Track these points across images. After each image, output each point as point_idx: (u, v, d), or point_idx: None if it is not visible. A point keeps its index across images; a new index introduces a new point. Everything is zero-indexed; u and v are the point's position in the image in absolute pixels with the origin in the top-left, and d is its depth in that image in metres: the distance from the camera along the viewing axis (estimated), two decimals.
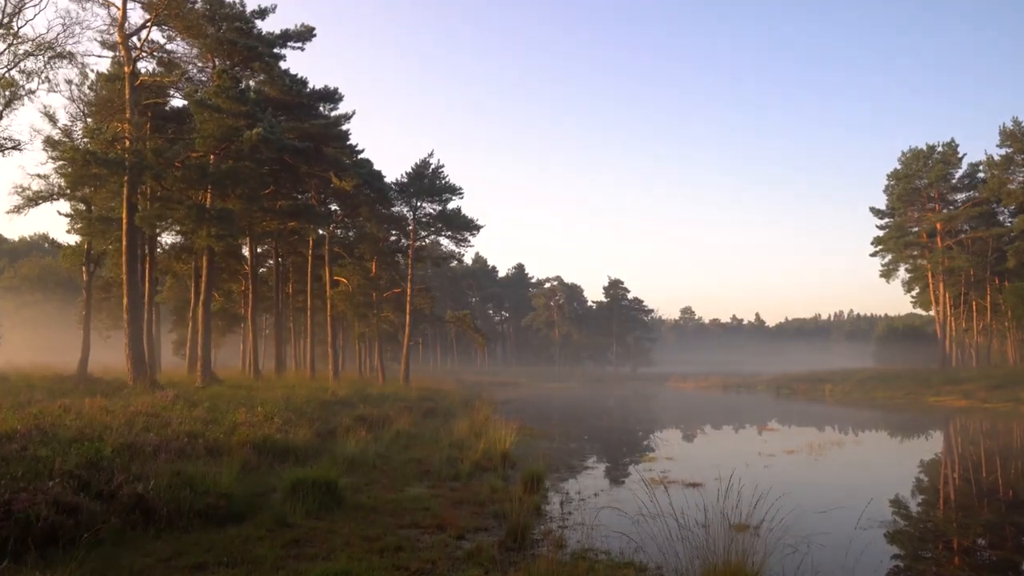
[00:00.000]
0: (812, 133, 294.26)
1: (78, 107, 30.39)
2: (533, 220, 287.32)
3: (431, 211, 46.10)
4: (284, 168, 35.78)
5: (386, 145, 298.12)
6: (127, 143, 27.35)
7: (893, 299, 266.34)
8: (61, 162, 27.78)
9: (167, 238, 45.62)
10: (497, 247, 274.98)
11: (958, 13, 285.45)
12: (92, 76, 32.69)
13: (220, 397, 23.68)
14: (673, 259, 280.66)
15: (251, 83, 32.67)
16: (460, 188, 44.87)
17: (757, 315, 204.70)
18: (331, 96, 36.29)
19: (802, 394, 64.80)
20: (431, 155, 45.16)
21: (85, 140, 27.59)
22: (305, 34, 35.12)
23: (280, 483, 11.74)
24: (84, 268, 39.63)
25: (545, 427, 29.50)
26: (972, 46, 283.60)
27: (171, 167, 27.44)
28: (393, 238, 49.58)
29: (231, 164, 27.95)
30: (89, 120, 30.19)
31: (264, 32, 33.82)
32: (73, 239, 43.61)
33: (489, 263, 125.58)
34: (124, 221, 27.63)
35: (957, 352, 76.63)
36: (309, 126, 32.79)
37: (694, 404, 53.62)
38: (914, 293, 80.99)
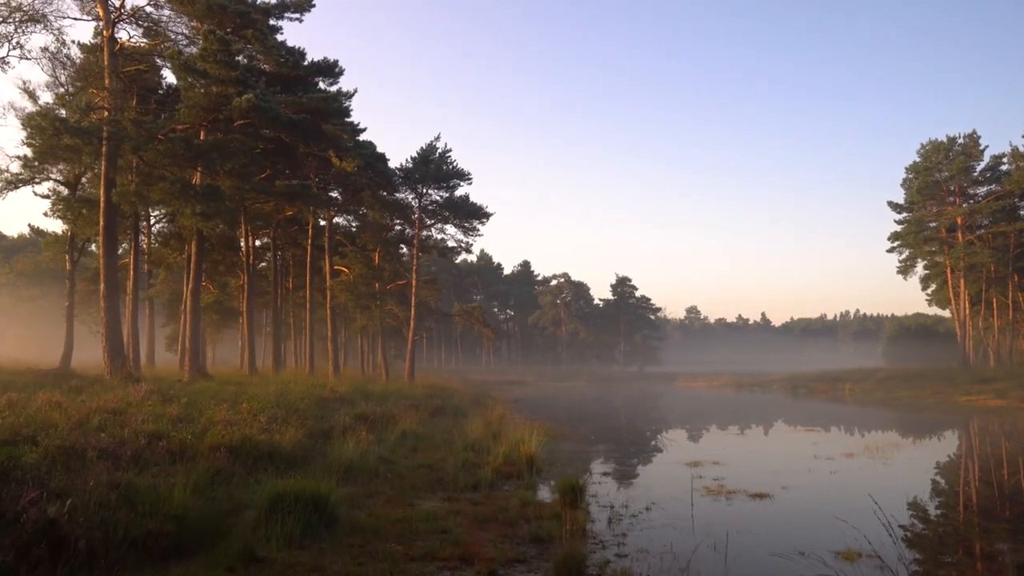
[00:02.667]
0: (817, 132, 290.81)
1: (52, 76, 27.76)
2: (537, 218, 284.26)
3: (437, 198, 43.30)
4: (280, 148, 33.13)
5: (387, 139, 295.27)
6: (105, 113, 24.73)
7: (900, 299, 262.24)
8: (30, 130, 25.10)
9: (157, 225, 43.22)
10: (502, 245, 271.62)
11: (971, 4, 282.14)
12: (73, 47, 30.12)
13: (204, 393, 21.04)
14: (678, 259, 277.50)
15: (243, 58, 29.95)
16: (469, 173, 42.14)
17: (763, 315, 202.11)
18: (330, 69, 33.54)
19: (821, 393, 62.40)
20: (437, 138, 42.56)
21: (56, 107, 24.97)
22: (303, 4, 32.45)
23: (255, 498, 9.09)
24: (67, 257, 37.14)
25: (562, 427, 26.86)
26: (987, 36, 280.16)
27: (153, 140, 24.80)
28: (398, 227, 46.87)
29: (219, 137, 25.29)
30: (67, 90, 27.53)
31: (258, 0, 31.21)
32: (58, 227, 41.14)
33: (494, 260, 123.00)
34: (102, 199, 25.00)
35: (975, 351, 74.05)
36: (307, 100, 30.07)
37: (711, 404, 50.96)
38: (930, 291, 78.41)
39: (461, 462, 15.00)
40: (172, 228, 38.38)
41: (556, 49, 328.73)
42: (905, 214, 75.28)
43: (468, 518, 10.35)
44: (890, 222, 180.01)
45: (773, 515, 11.72)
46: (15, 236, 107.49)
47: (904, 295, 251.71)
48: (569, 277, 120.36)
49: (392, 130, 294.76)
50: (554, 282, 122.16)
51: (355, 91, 34.85)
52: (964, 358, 69.90)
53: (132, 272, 33.23)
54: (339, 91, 33.87)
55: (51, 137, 23.43)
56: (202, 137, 27.11)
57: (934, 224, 72.95)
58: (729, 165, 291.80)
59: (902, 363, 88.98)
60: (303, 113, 30.21)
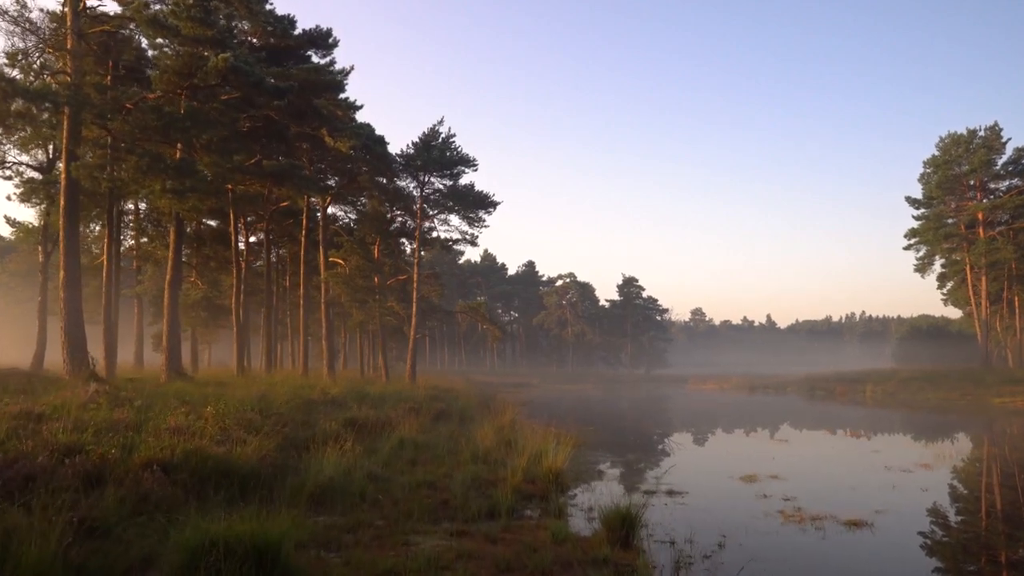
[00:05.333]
0: (820, 133, 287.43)
1: (15, 44, 24.86)
2: (541, 218, 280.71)
3: (441, 187, 40.25)
4: (269, 128, 30.27)
5: (386, 134, 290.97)
6: (67, 78, 21.90)
7: (905, 300, 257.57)
8: None
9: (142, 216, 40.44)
10: (506, 245, 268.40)
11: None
12: (43, 17, 27.28)
13: (172, 395, 18.10)
14: (683, 261, 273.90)
15: (223, 19, 26.99)
16: (474, 159, 39.03)
17: (768, 316, 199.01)
18: (323, 39, 30.45)
19: (840, 395, 59.60)
20: (440, 122, 39.42)
21: (5, 64, 22.11)
22: None
23: (170, 547, 6.16)
24: (40, 249, 34.37)
25: (580, 433, 23.82)
26: (998, 30, 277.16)
27: (122, 110, 21.96)
28: (399, 219, 43.89)
29: (195, 105, 22.37)
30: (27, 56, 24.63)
31: None
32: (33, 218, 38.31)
33: (498, 260, 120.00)
34: (63, 174, 22.18)
35: (995, 351, 71.31)
36: (297, 71, 27.17)
37: (729, 407, 48.00)
38: (946, 289, 75.75)
39: (470, 478, 12.13)
40: (152, 214, 35.58)
41: (561, 48, 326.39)
42: (923, 210, 72.61)
43: (486, 566, 7.44)
44: (895, 223, 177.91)
45: (889, 553, 8.81)
46: (12, 237, 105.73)
47: (910, 296, 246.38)
48: (575, 277, 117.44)
49: (388, 131, 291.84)
50: (559, 282, 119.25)
51: (351, 68, 31.93)
52: (986, 359, 67.28)
53: (106, 263, 30.35)
54: (332, 61, 30.90)
55: None
56: (182, 110, 24.18)
57: (952, 220, 70.40)
58: (732, 165, 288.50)
59: (914, 364, 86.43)
60: (292, 84, 27.33)
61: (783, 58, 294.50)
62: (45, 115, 21.99)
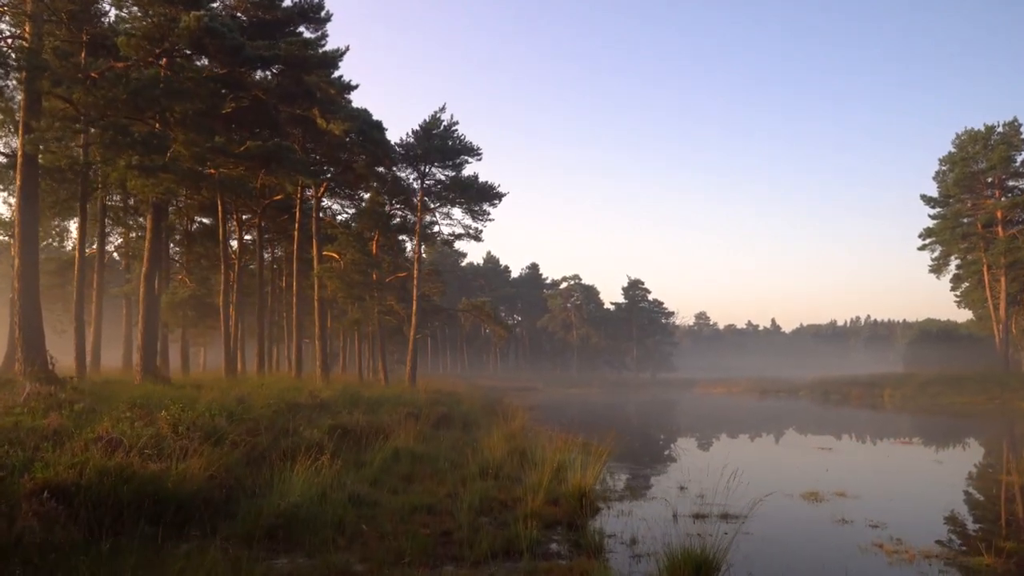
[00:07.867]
0: (821, 136, 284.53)
1: None
2: (542, 219, 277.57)
3: (442, 178, 37.86)
4: (257, 112, 27.86)
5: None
6: (25, 44, 19.57)
7: (909, 303, 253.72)
8: None
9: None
10: (508, 247, 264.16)
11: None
12: None
13: (133, 398, 15.71)
14: (687, 264, 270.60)
15: None
16: (478, 148, 36.62)
17: (773, 320, 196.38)
18: (314, 11, 27.91)
19: (856, 399, 57.44)
20: (442, 109, 36.97)
21: None
22: None
23: None
24: (12, 241, 31.95)
25: (598, 441, 21.41)
26: (1001, 28, 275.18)
27: (86, 80, 19.61)
28: (399, 214, 41.44)
29: (165, 74, 19.96)
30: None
31: None
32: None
33: (501, 262, 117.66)
34: (20, 149, 19.84)
35: (1011, 354, 69.11)
36: (285, 45, 24.72)
37: (745, 412, 45.61)
38: (960, 290, 73.56)
39: (479, 499, 9.75)
40: (135, 206, 33.28)
41: (563, 48, 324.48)
42: (939, 209, 70.42)
43: None
44: (895, 225, 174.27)
45: None
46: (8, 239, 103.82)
47: (913, 300, 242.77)
48: (579, 279, 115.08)
49: (387, 116, 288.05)
50: (564, 285, 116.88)
51: (347, 48, 29.44)
52: (1005, 362, 65.06)
53: (78, 256, 28.01)
54: (324, 35, 28.52)
55: None
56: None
57: (967, 220, 68.32)
58: (733, 167, 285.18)
59: (926, 368, 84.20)
60: (280, 64, 25.00)
61: (790, 59, 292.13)
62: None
